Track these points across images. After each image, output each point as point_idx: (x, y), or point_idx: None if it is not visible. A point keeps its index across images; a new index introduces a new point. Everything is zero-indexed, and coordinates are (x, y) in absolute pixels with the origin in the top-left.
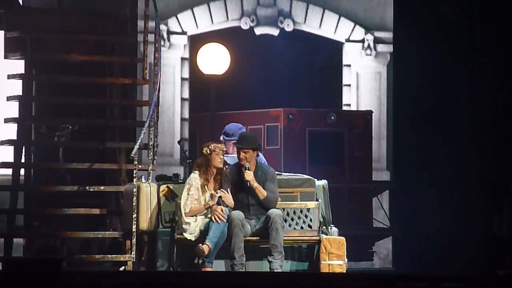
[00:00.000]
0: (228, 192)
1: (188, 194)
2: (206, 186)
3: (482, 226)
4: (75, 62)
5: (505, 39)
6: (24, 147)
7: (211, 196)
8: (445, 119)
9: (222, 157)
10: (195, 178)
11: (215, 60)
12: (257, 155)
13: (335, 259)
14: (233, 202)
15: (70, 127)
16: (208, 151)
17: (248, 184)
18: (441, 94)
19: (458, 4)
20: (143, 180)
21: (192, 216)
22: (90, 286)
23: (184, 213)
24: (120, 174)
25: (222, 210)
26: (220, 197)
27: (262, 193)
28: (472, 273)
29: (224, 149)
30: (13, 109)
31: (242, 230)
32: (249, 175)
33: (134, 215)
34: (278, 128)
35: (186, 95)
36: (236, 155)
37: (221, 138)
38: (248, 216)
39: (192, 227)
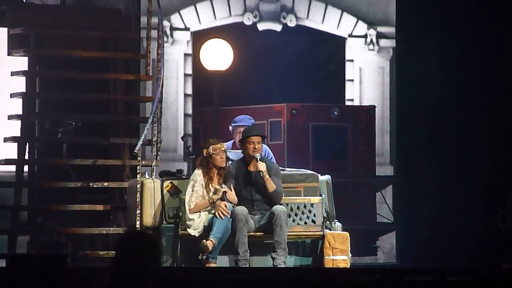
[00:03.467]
0: (231, 189)
1: (192, 190)
2: (210, 183)
3: (486, 220)
4: (78, 58)
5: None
6: (28, 143)
7: (215, 190)
8: (448, 113)
9: (223, 156)
10: (199, 174)
11: (218, 56)
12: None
13: (339, 254)
14: (236, 199)
15: (73, 123)
16: (208, 154)
17: (261, 175)
18: (444, 88)
19: None
20: (147, 176)
21: (197, 212)
22: None
23: (189, 209)
24: (124, 170)
25: (225, 206)
26: (224, 192)
27: (272, 185)
28: (477, 266)
29: (224, 148)
30: (17, 106)
31: (246, 225)
32: (262, 166)
33: (138, 211)
34: (281, 123)
35: (189, 91)
36: (239, 151)
37: (230, 128)
38: (252, 211)
39: (196, 223)
